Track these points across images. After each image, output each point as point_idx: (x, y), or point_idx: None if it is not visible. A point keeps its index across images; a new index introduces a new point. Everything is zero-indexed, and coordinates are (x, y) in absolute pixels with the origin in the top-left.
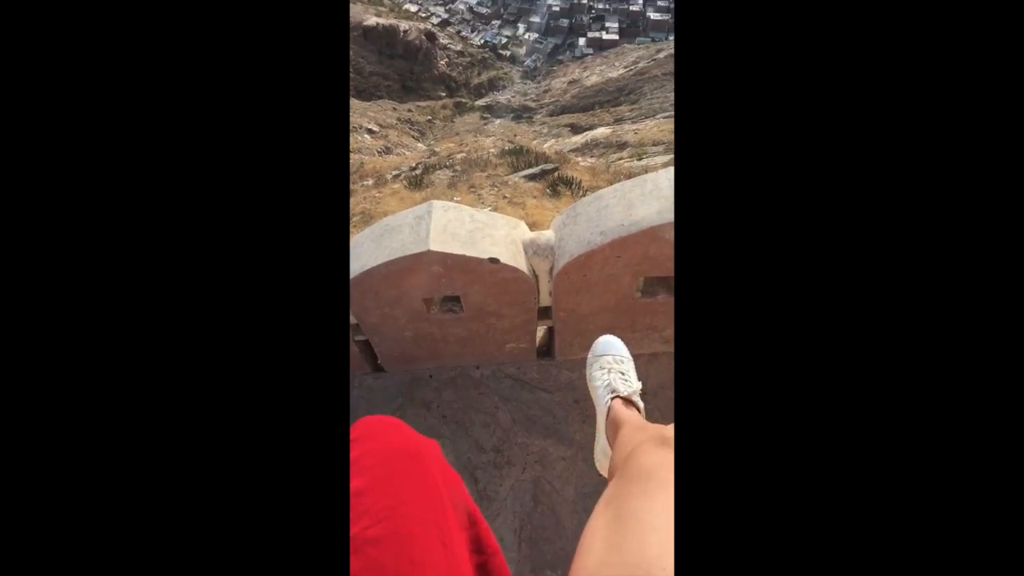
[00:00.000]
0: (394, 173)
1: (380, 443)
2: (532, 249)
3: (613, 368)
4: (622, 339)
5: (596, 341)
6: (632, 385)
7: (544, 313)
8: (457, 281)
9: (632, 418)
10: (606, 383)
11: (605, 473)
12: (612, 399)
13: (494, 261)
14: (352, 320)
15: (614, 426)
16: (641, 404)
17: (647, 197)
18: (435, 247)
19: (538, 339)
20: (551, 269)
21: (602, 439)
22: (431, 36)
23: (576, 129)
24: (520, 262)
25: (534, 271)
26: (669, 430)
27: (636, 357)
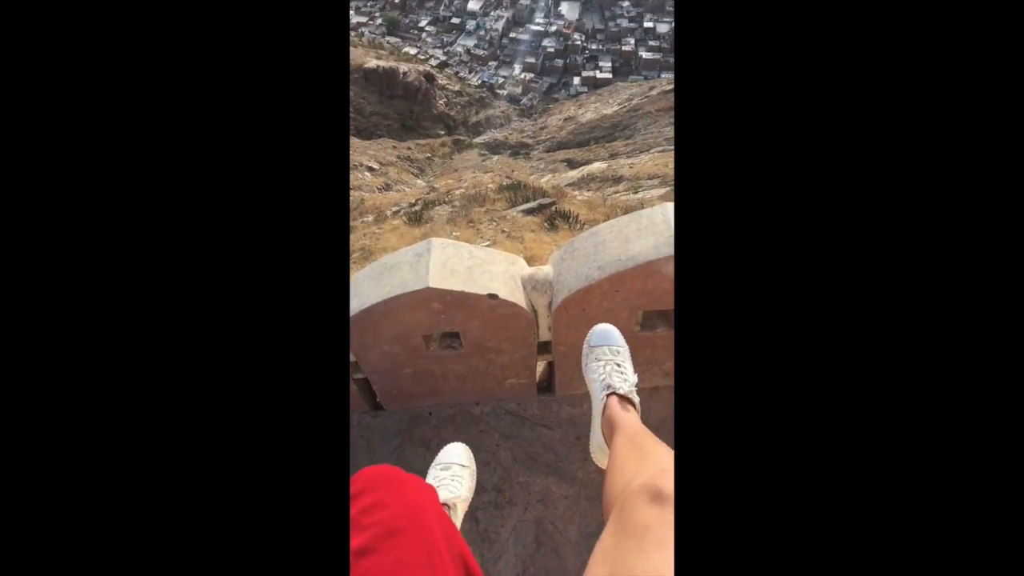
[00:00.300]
0: (394, 209)
1: (381, 499)
2: (531, 284)
3: (609, 361)
4: None
5: (592, 329)
6: (628, 380)
7: (544, 348)
8: (456, 317)
9: (628, 423)
10: (601, 377)
11: (603, 466)
12: (608, 396)
13: (493, 297)
14: (351, 358)
15: (609, 425)
16: (637, 400)
17: (643, 232)
18: (434, 284)
19: (538, 374)
20: (550, 304)
21: (598, 434)
22: (430, 77)
23: (572, 164)
24: (519, 297)
25: (533, 306)
26: (664, 479)
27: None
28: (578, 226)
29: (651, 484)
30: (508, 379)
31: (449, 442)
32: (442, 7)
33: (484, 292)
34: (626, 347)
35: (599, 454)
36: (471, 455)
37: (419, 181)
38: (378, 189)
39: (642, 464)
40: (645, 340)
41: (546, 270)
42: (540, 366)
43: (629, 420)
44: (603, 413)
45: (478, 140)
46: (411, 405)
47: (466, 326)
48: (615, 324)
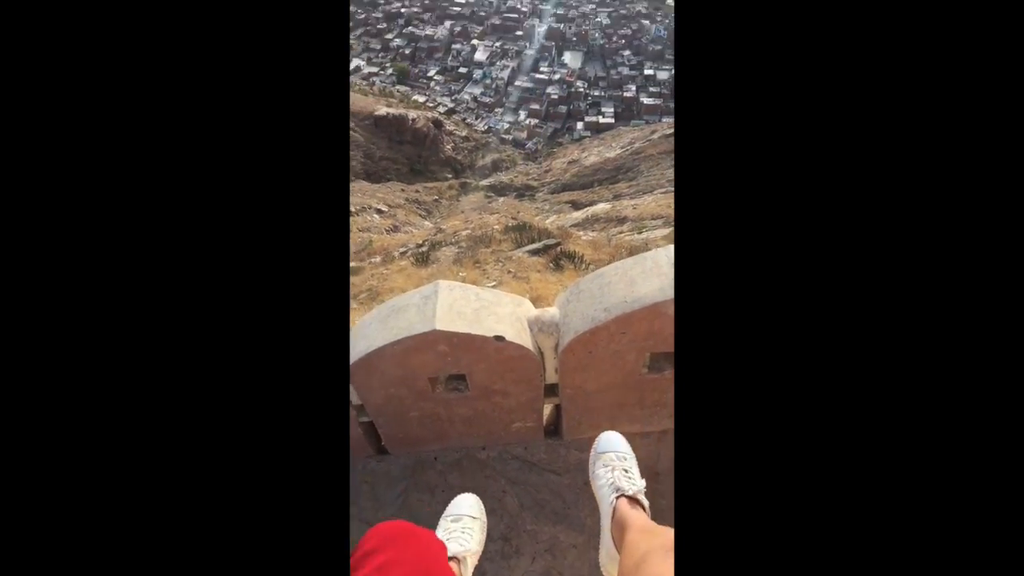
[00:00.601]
0: (401, 250)
1: (394, 557)
2: (537, 326)
3: (616, 466)
4: (630, 416)
5: (597, 438)
6: (636, 483)
7: (551, 390)
8: (463, 360)
9: (638, 519)
10: (610, 481)
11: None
12: (617, 498)
13: (499, 339)
14: (356, 401)
15: (620, 527)
16: (646, 503)
17: (648, 274)
18: (441, 326)
19: (545, 417)
20: (556, 346)
21: (607, 541)
22: (438, 123)
23: (577, 206)
24: (525, 339)
25: (539, 348)
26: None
27: (645, 435)
28: (583, 266)
29: (667, 539)
30: (515, 423)
31: (455, 487)
32: (450, 58)
33: (491, 334)
34: (632, 454)
35: (610, 565)
36: (482, 507)
37: (426, 223)
38: (386, 231)
39: (656, 538)
40: (653, 383)
41: (552, 312)
42: (547, 409)
43: (641, 517)
44: (612, 517)
45: (484, 183)
46: (416, 449)
47: (473, 368)
48: (622, 366)
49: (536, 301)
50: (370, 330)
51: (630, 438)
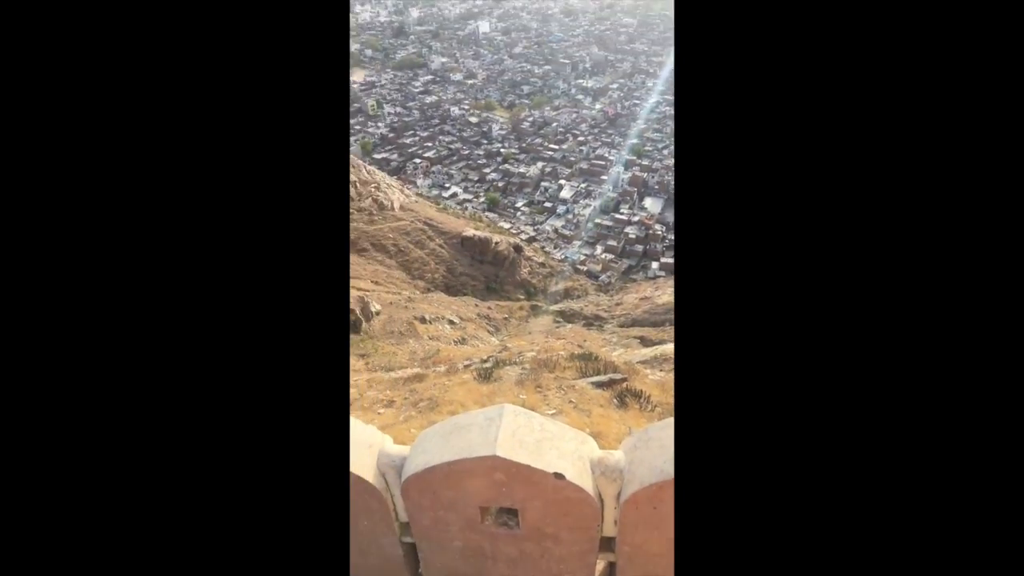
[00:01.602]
0: (466, 363)
1: None
2: (600, 469)
3: None
4: None
5: None
6: None
7: (606, 544)
8: (518, 492)
9: None
10: None
11: None
12: None
13: (559, 476)
14: (404, 518)
15: None
16: None
17: None
18: (501, 453)
19: (597, 574)
20: (618, 495)
21: None
22: (518, 248)
23: (646, 342)
24: (586, 481)
25: (600, 494)
26: None
27: None
28: (649, 407)
29: None
30: (563, 574)
31: None
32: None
33: (551, 469)
34: None
35: None
36: None
37: (493, 339)
38: (454, 342)
39: None
40: None
41: (618, 456)
42: (600, 565)
43: None
44: None
45: (554, 307)
46: None
47: (527, 504)
48: None
49: (596, 437)
50: (430, 444)
51: None
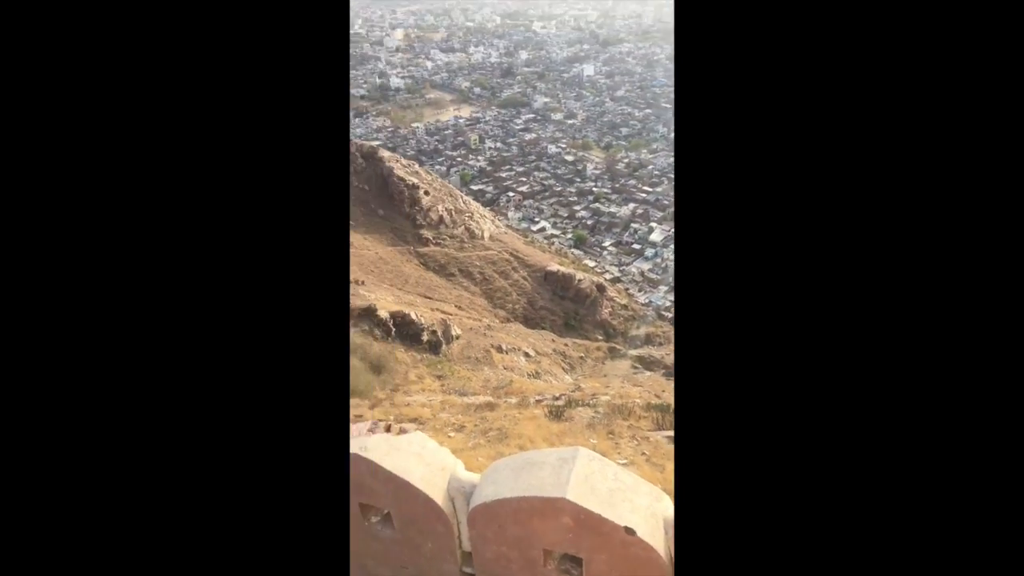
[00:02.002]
0: (537, 398)
1: None
2: (673, 531)
3: None
4: None
5: None
6: None
7: None
8: (584, 541)
9: None
10: None
11: None
12: None
13: (630, 531)
14: (467, 548)
15: None
16: None
17: None
18: (572, 496)
19: None
20: None
21: None
22: (601, 288)
23: None
24: (658, 541)
25: (671, 556)
26: None
27: None
28: None
29: None
30: None
31: None
32: (627, 234)
33: (622, 522)
34: None
35: None
36: None
37: (568, 377)
38: (528, 375)
39: None
40: None
41: None
42: None
43: None
44: None
45: (633, 352)
46: None
47: (592, 556)
48: None
49: (669, 495)
50: (501, 477)
51: None
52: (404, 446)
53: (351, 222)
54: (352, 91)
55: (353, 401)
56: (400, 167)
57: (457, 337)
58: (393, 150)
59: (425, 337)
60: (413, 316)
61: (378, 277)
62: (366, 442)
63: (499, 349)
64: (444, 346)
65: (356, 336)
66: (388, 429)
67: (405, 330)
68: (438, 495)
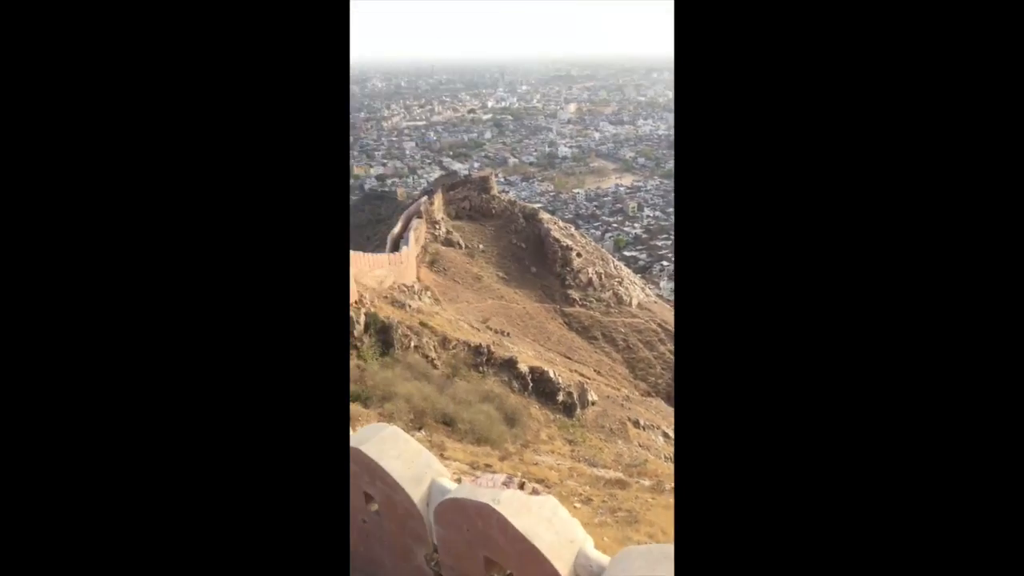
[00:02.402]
0: (672, 485)
1: None
2: None
3: None
4: None
5: None
6: None
7: None
8: None
9: None
10: None
11: None
12: None
13: None
14: None
15: None
16: None
17: None
18: None
19: None
20: None
21: None
22: None
23: None
24: None
25: None
26: None
27: None
28: None
29: None
30: None
31: None
32: None
33: None
34: None
35: None
36: None
37: None
38: (665, 457)
39: None
40: None
41: None
42: None
43: None
44: None
45: None
46: None
47: None
48: None
49: None
50: (633, 566)
51: None
52: (536, 508)
53: (504, 275)
54: (523, 158)
55: (483, 449)
56: (557, 228)
57: (593, 403)
58: (553, 213)
59: (561, 397)
60: (551, 374)
61: (522, 330)
62: (499, 495)
63: (636, 424)
64: (579, 410)
65: (495, 385)
66: (522, 487)
67: (542, 387)
68: (564, 568)
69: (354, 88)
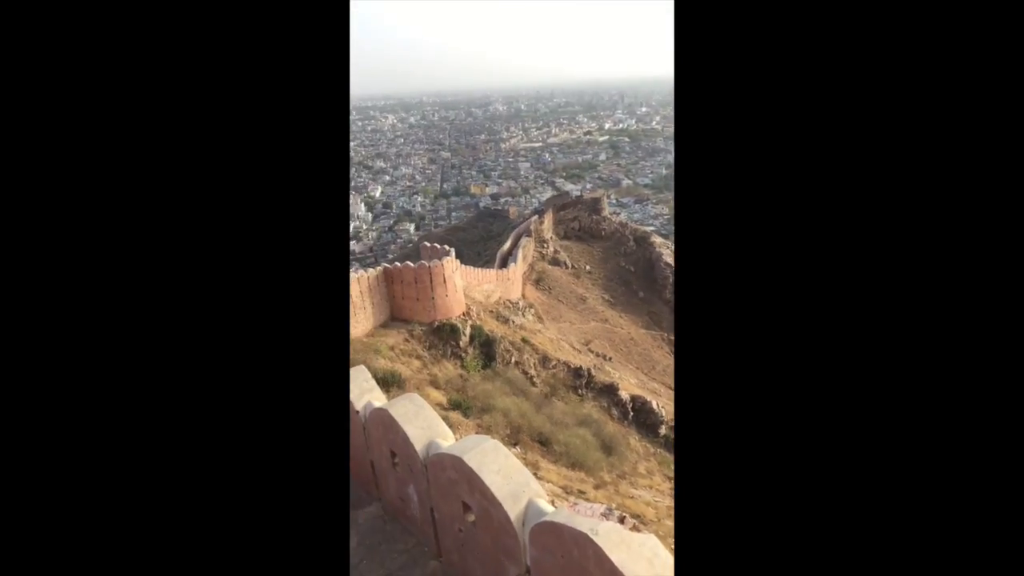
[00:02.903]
0: None
1: None
2: None
3: None
4: None
5: None
6: None
7: None
8: None
9: None
10: None
11: None
12: None
13: None
14: None
15: None
16: None
17: None
18: None
19: None
20: None
21: None
22: None
23: None
24: None
25: None
26: None
27: None
28: None
29: None
30: None
31: None
32: None
33: None
34: None
35: None
36: None
37: None
38: None
39: None
40: None
41: None
42: None
43: None
44: None
45: None
46: None
47: None
48: None
49: None
50: None
51: None
52: (636, 546)
53: (610, 298)
54: (638, 180)
55: (577, 475)
56: (669, 253)
57: None
58: (666, 237)
59: (663, 431)
60: (654, 405)
61: (625, 356)
62: (598, 526)
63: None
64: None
65: (593, 410)
66: (622, 521)
67: (643, 417)
68: None
69: (476, 111)
